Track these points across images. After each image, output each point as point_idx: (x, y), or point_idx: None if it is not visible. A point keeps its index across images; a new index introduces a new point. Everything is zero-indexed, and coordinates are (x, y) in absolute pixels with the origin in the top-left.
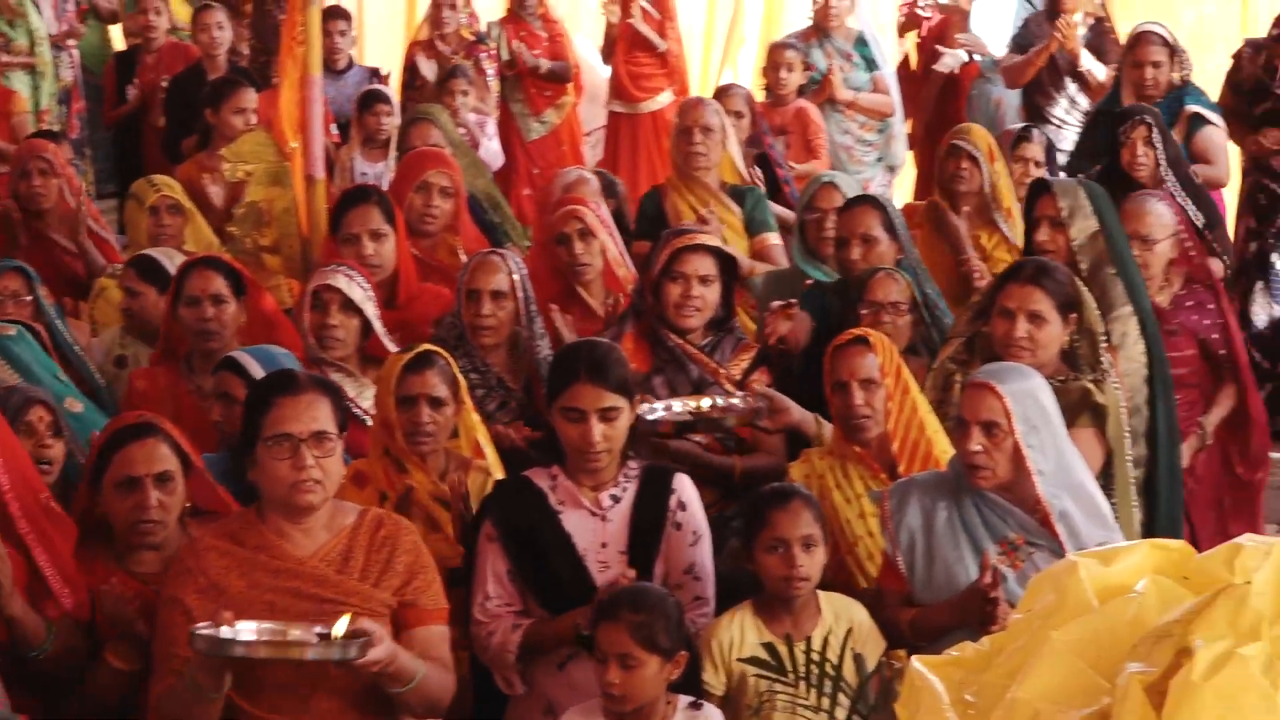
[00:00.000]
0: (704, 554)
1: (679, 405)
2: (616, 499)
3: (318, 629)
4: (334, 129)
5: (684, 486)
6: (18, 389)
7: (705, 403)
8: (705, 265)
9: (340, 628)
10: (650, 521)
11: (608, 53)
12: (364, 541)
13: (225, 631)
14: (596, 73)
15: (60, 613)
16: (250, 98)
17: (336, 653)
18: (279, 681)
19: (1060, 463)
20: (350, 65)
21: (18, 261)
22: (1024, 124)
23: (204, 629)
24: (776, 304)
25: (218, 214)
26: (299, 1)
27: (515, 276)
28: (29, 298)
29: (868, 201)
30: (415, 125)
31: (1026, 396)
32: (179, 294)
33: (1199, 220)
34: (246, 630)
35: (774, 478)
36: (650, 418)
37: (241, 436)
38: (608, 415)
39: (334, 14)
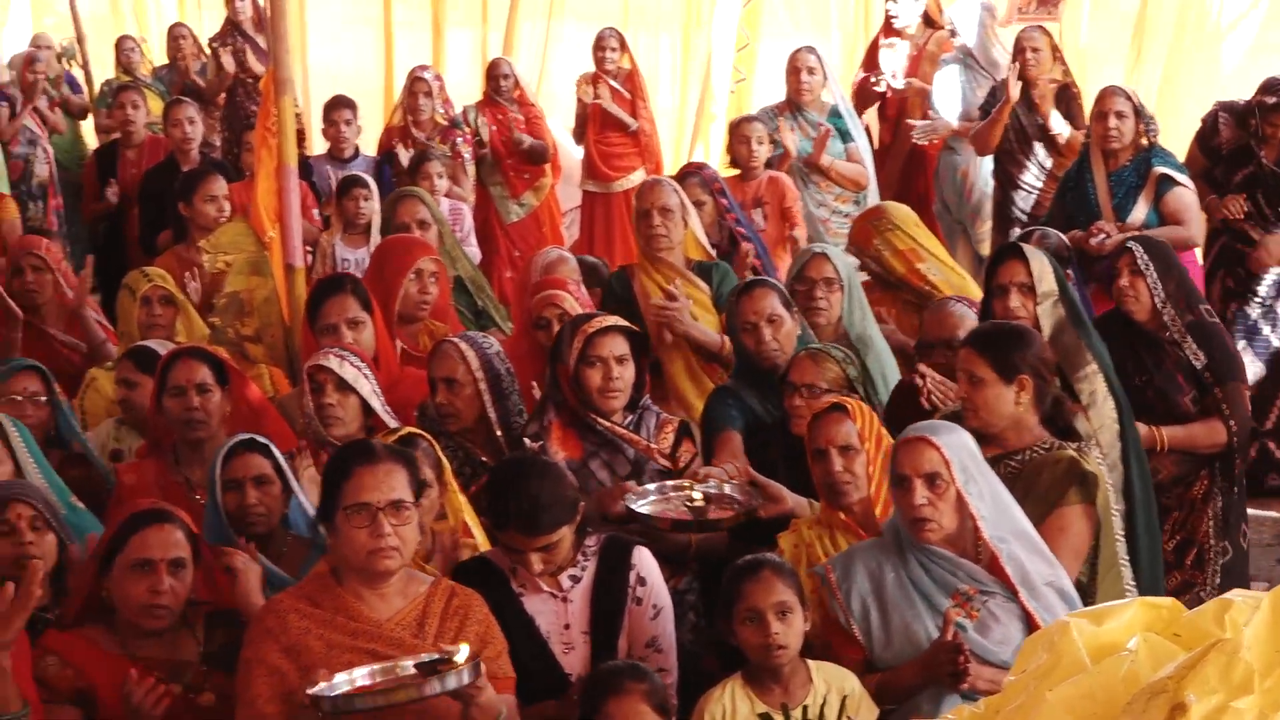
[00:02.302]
0: (666, 626)
1: (673, 497)
2: (576, 579)
3: (420, 658)
4: (316, 214)
5: (643, 560)
6: None
7: (697, 495)
8: (619, 346)
9: (463, 654)
10: (611, 599)
11: (579, 134)
12: (438, 608)
13: (341, 687)
14: (570, 154)
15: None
16: (220, 185)
17: (453, 680)
18: None
19: (998, 506)
20: (356, 154)
21: (33, 361)
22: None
23: (321, 691)
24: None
25: (196, 309)
26: (272, 93)
27: (473, 363)
28: (44, 398)
29: (766, 284)
30: (403, 201)
31: (960, 447)
32: (163, 385)
33: (1198, 362)
34: (360, 678)
35: (729, 548)
36: (642, 511)
37: (320, 504)
38: (547, 548)
39: (338, 104)
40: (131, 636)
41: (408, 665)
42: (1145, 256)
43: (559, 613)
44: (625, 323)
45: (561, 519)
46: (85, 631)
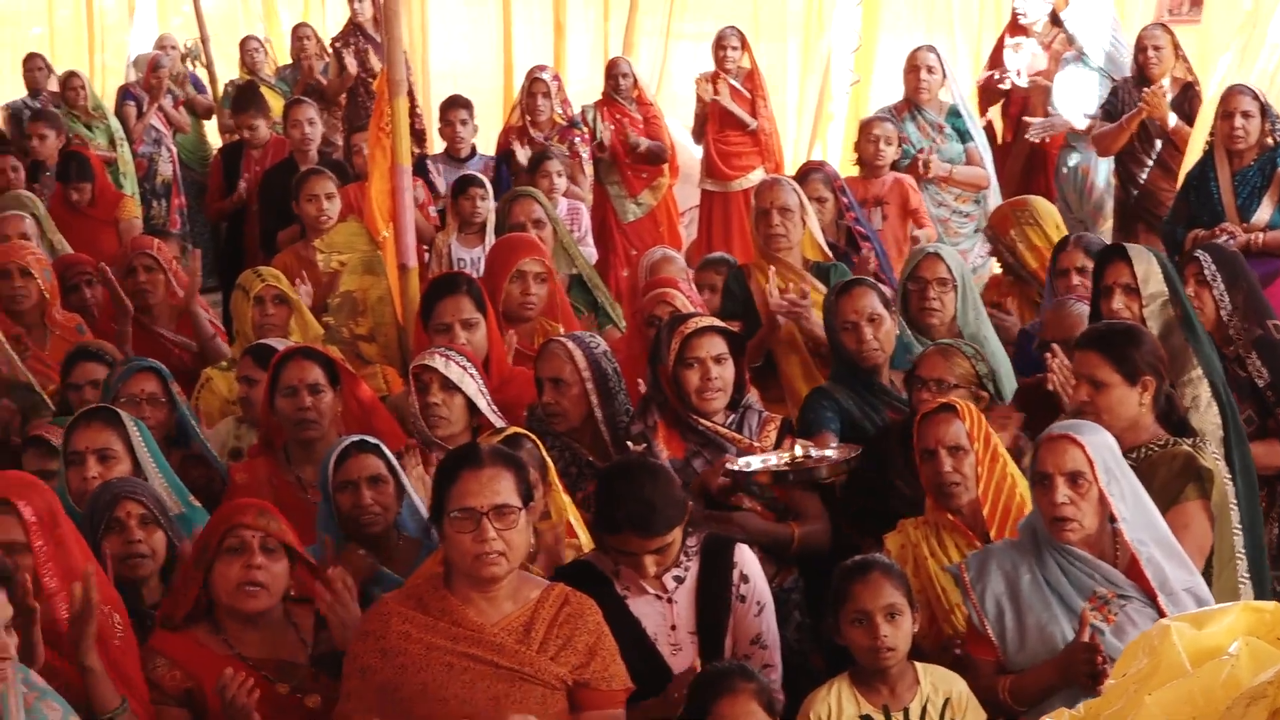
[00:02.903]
0: (769, 622)
1: (773, 458)
2: (680, 579)
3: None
4: (433, 212)
5: (745, 558)
6: (108, 486)
7: (799, 451)
8: (717, 346)
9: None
10: (715, 597)
11: (699, 133)
12: (547, 615)
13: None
14: (689, 153)
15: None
16: (323, 185)
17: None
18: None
19: (1139, 508)
20: (473, 153)
21: (152, 361)
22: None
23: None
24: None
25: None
26: (385, 93)
27: (580, 363)
28: (163, 399)
29: (864, 283)
30: (518, 201)
31: (1103, 446)
32: (275, 384)
33: (1260, 380)
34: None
35: (830, 545)
36: (746, 470)
37: (432, 507)
38: (661, 550)
39: (454, 103)
40: (236, 635)
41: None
42: (1213, 266)
43: (665, 614)
44: (721, 323)
45: (674, 519)
46: (193, 633)
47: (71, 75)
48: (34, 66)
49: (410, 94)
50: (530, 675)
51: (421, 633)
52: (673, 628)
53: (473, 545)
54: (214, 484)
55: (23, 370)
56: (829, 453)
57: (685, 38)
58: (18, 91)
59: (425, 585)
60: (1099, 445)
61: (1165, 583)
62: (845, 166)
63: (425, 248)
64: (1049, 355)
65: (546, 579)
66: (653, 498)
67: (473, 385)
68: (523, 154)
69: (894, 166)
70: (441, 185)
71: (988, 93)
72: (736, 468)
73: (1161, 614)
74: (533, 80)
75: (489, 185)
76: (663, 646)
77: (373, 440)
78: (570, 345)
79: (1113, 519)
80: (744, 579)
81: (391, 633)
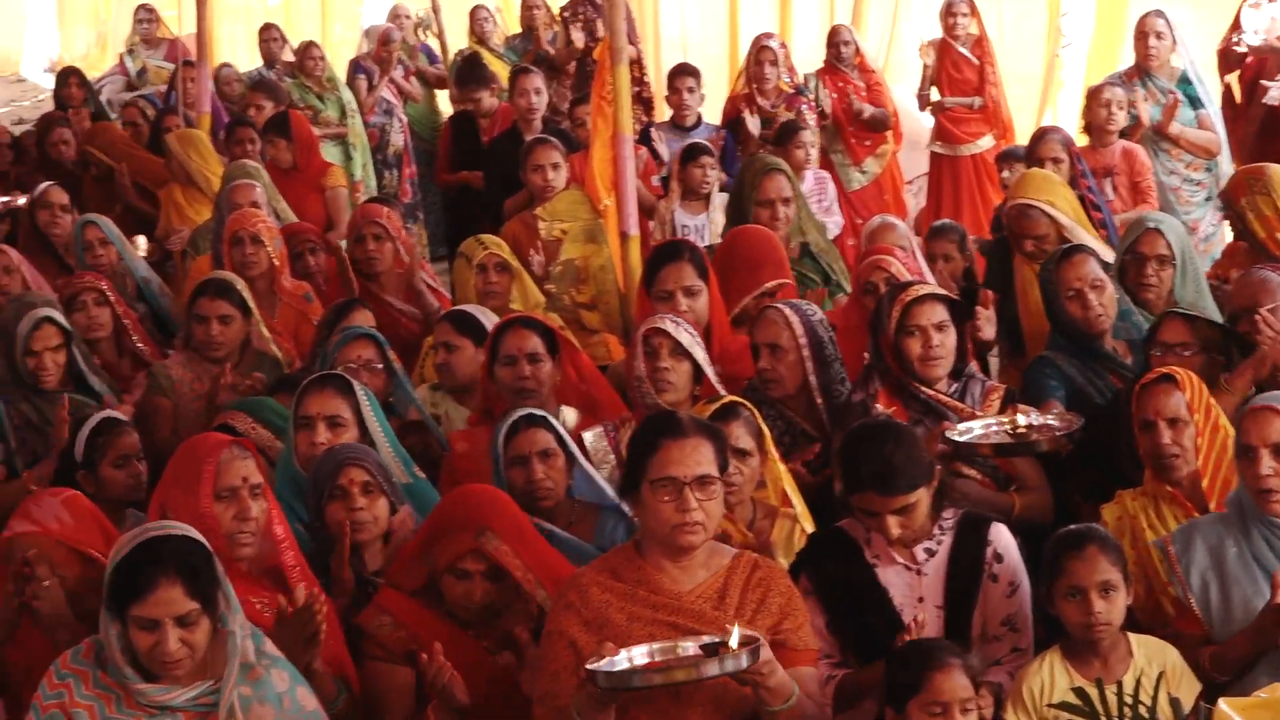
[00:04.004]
0: (1022, 604)
1: (994, 424)
2: (932, 552)
3: (705, 640)
4: (656, 181)
5: (1000, 536)
6: (333, 452)
7: (1021, 420)
8: (938, 313)
9: (735, 638)
10: (966, 574)
11: (924, 99)
12: (740, 581)
13: (620, 664)
14: (915, 119)
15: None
16: (548, 154)
17: (731, 664)
18: (651, 700)
19: None
20: (699, 122)
21: (368, 329)
22: None
23: (600, 666)
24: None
25: (536, 280)
26: (607, 61)
27: (796, 329)
28: (380, 365)
29: (1083, 250)
30: (769, 176)
31: None
32: (495, 353)
33: None
34: (639, 656)
35: (1050, 514)
36: (962, 439)
37: (625, 476)
38: (903, 511)
39: (682, 71)
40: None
41: (689, 646)
42: None
43: (913, 585)
44: (943, 290)
45: (917, 479)
46: (420, 595)
47: (310, 45)
48: (269, 37)
49: (638, 62)
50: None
51: (622, 602)
52: (920, 599)
53: (674, 514)
54: (430, 450)
55: (271, 343)
56: (1051, 421)
57: (915, 3)
58: (254, 62)
59: (618, 556)
60: None
61: None
62: (1076, 136)
63: (647, 216)
64: (1259, 316)
65: (765, 544)
66: (894, 457)
67: (701, 352)
68: (753, 123)
69: (1122, 134)
70: (666, 153)
71: (1227, 58)
72: (955, 436)
73: None
74: (760, 48)
75: (714, 154)
76: (908, 617)
77: (540, 413)
78: (787, 311)
79: None
80: (997, 557)
81: (593, 603)
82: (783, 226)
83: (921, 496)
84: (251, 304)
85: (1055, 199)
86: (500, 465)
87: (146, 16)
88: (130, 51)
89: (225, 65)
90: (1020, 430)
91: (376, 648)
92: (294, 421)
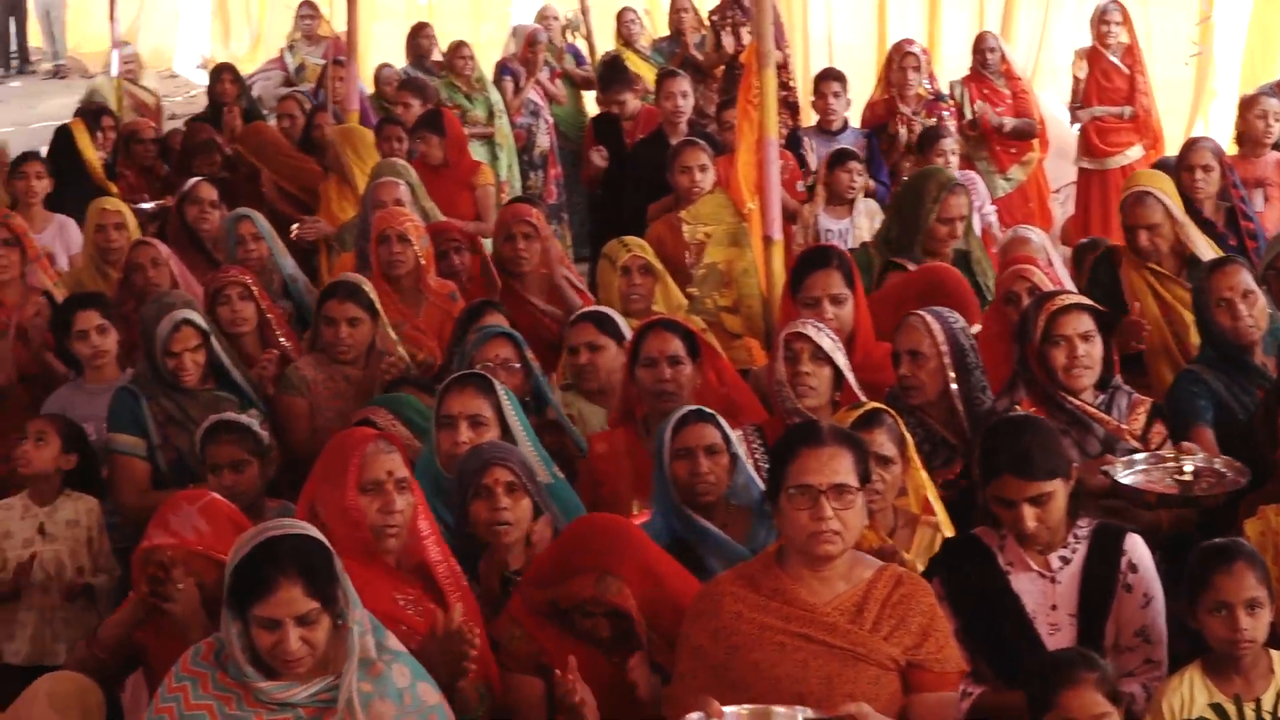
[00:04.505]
0: (1156, 616)
1: (1157, 469)
2: (1066, 560)
3: (809, 712)
4: (800, 187)
5: (1135, 547)
6: (478, 451)
7: (1189, 468)
8: (1084, 323)
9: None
10: (1101, 583)
11: (1075, 109)
12: (880, 595)
13: None
14: (1063, 127)
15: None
16: (695, 157)
17: None
18: None
19: None
20: (845, 126)
21: (506, 328)
22: None
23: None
24: None
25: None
26: (754, 65)
27: (938, 336)
28: (518, 365)
29: (1236, 260)
30: (953, 193)
31: None
32: (636, 355)
33: None
34: (731, 717)
35: (1202, 529)
36: (1125, 481)
37: (768, 484)
38: (1039, 501)
39: (827, 76)
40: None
41: (794, 714)
42: None
43: (1046, 593)
44: (1089, 301)
45: (1056, 469)
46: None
47: (460, 45)
48: (421, 36)
49: (785, 66)
50: (863, 655)
51: (754, 612)
52: (1053, 607)
53: (809, 523)
54: (565, 449)
55: (395, 342)
56: (1219, 468)
57: (1065, 9)
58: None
59: (757, 564)
60: None
61: None
62: (1228, 145)
63: (790, 221)
64: None
65: (896, 552)
66: (1031, 444)
67: (843, 358)
68: (902, 129)
69: (1276, 147)
70: (813, 159)
71: None
72: (1118, 475)
73: None
74: (904, 54)
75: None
76: (1040, 625)
77: (709, 410)
78: (929, 318)
79: None
80: (1132, 568)
81: (724, 613)
82: (955, 244)
83: (1058, 489)
84: (378, 306)
85: (1167, 189)
86: (664, 458)
87: (308, 13)
88: (291, 47)
89: (385, 65)
90: (1186, 478)
91: (509, 658)
92: (435, 420)
